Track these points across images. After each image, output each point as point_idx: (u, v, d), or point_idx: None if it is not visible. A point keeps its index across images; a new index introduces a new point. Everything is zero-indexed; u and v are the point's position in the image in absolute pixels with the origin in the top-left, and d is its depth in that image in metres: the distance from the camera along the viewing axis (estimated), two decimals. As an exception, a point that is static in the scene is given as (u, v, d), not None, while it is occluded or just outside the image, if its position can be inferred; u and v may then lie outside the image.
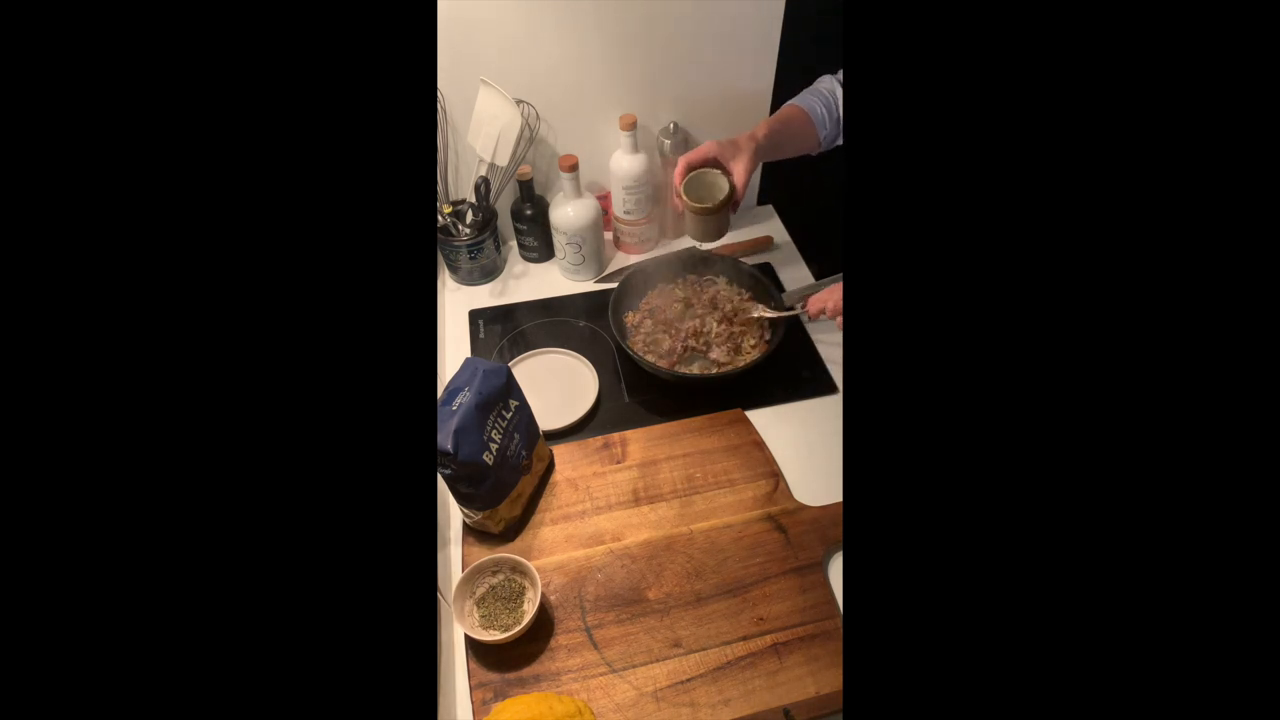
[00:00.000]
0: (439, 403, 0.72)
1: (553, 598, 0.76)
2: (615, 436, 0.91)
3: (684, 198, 0.86)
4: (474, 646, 0.72)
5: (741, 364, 0.94)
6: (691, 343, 0.99)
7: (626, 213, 1.12)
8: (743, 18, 1.00)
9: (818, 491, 0.85)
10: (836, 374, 0.99)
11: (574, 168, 1.03)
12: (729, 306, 1.03)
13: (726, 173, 0.86)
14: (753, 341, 0.99)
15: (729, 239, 1.20)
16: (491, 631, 0.71)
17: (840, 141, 0.95)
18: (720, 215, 0.88)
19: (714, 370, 0.96)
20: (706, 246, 1.00)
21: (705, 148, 0.89)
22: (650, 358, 0.96)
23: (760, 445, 0.89)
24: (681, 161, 0.89)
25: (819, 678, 0.70)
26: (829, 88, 0.93)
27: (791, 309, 0.97)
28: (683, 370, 0.96)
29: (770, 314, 0.98)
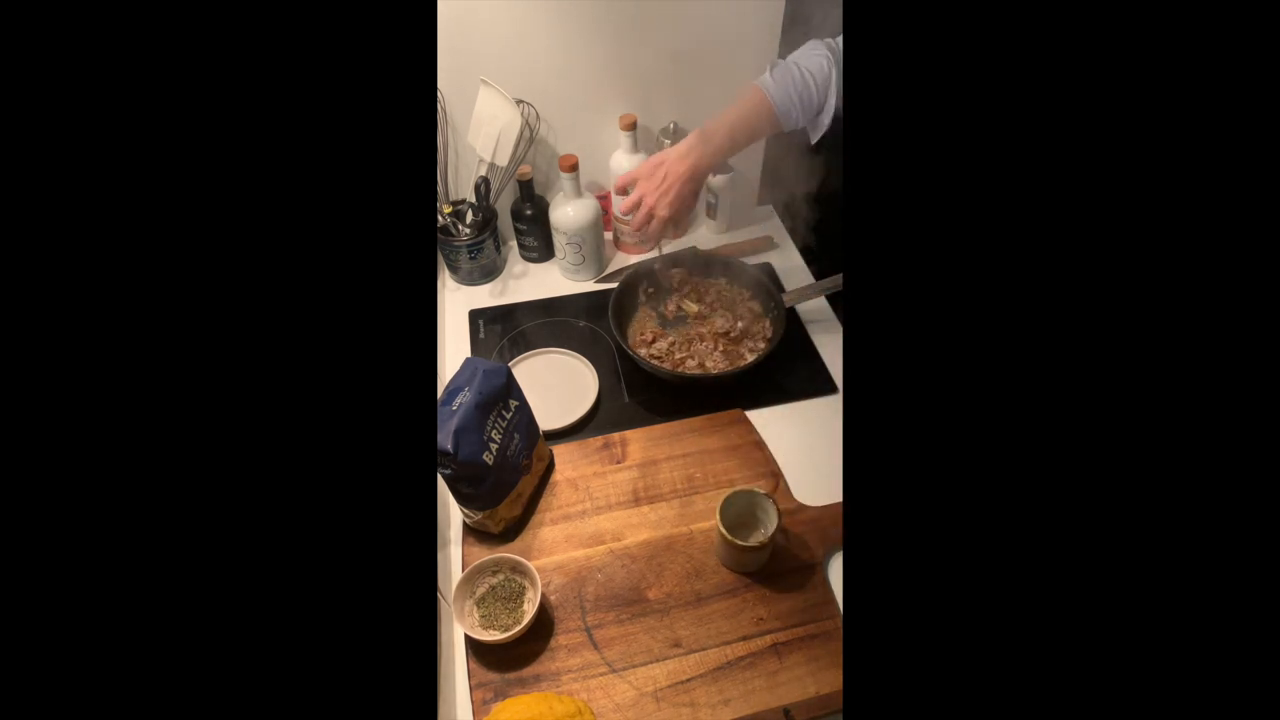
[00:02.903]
0: (439, 403, 0.72)
1: (553, 598, 0.76)
2: (615, 436, 0.91)
3: (721, 527, 0.73)
4: (474, 646, 0.72)
5: (741, 364, 0.95)
6: (691, 342, 0.99)
7: (626, 213, 1.12)
8: (743, 17, 1.00)
9: (818, 491, 0.85)
10: (836, 374, 0.99)
11: (574, 168, 1.03)
12: (730, 307, 1.03)
13: (777, 506, 0.74)
14: (752, 343, 0.99)
15: (729, 238, 1.20)
16: (491, 631, 0.71)
17: (804, 124, 0.86)
18: (760, 552, 0.74)
19: (714, 370, 0.96)
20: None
21: (636, 170, 0.89)
22: (650, 358, 0.96)
23: (760, 445, 0.89)
24: (616, 190, 0.94)
25: (819, 678, 0.70)
26: (814, 64, 0.82)
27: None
28: (682, 370, 0.96)
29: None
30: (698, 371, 0.96)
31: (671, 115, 1.09)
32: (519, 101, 1.00)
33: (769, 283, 1.02)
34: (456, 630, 0.73)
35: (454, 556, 0.81)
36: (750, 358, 0.96)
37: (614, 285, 1.03)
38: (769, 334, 0.99)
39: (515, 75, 0.99)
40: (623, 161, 1.06)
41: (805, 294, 1.01)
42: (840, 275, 1.01)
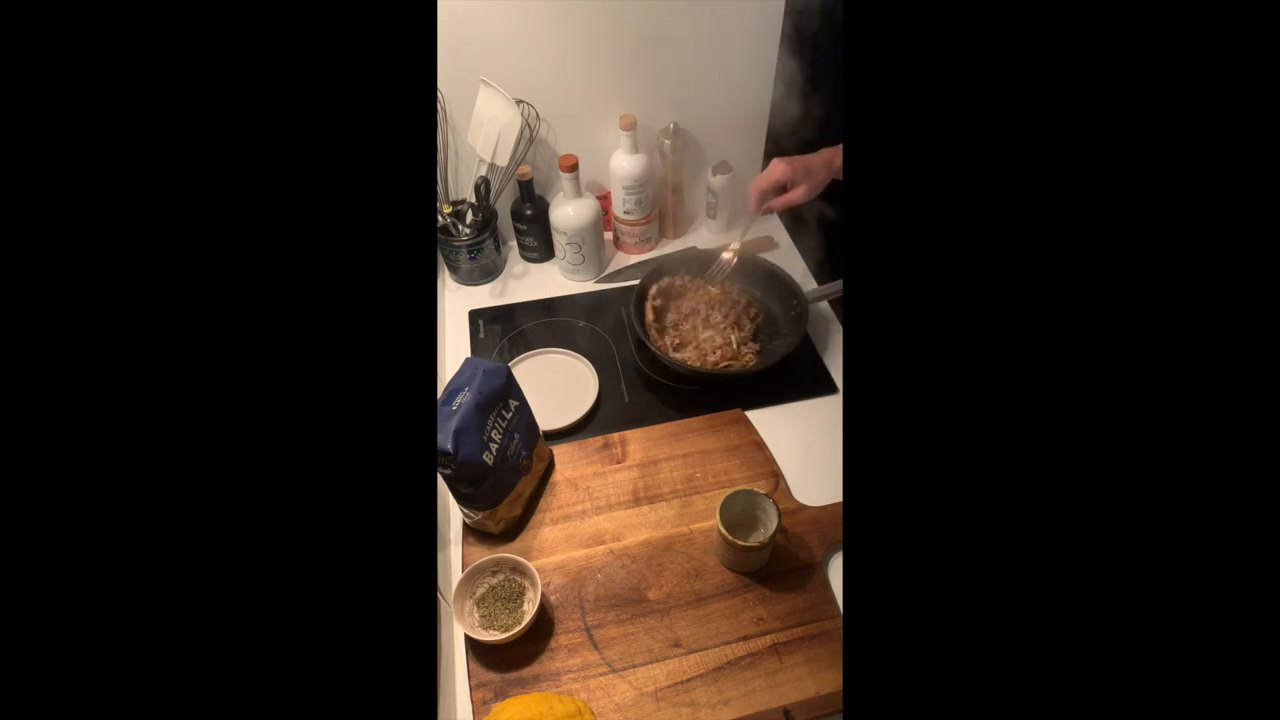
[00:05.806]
0: (439, 403, 0.72)
1: (553, 598, 0.76)
2: (615, 436, 0.91)
3: (721, 527, 0.73)
4: (474, 646, 0.72)
5: (741, 364, 0.94)
6: (703, 338, 0.98)
7: (626, 213, 1.12)
8: (743, 17, 1.00)
9: (818, 491, 0.85)
10: (836, 374, 0.99)
11: (574, 168, 1.03)
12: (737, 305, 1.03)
13: (777, 506, 0.74)
14: (753, 341, 0.99)
15: (730, 238, 1.20)
16: (491, 631, 0.71)
17: None
18: (760, 552, 0.74)
19: (712, 369, 0.96)
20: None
21: (774, 171, 0.90)
22: (669, 353, 0.96)
23: (760, 445, 0.89)
24: (754, 190, 0.92)
25: (819, 678, 0.70)
26: None
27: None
28: (690, 364, 0.95)
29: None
30: (715, 367, 0.95)
31: (671, 115, 1.09)
32: (519, 101, 1.00)
33: (787, 276, 1.01)
34: (456, 630, 0.73)
35: (454, 556, 0.81)
36: (749, 359, 0.96)
37: (613, 285, 1.03)
38: (769, 332, 0.98)
39: (515, 75, 0.99)
40: (622, 161, 1.06)
41: (826, 293, 1.00)
42: (841, 278, 1.01)
